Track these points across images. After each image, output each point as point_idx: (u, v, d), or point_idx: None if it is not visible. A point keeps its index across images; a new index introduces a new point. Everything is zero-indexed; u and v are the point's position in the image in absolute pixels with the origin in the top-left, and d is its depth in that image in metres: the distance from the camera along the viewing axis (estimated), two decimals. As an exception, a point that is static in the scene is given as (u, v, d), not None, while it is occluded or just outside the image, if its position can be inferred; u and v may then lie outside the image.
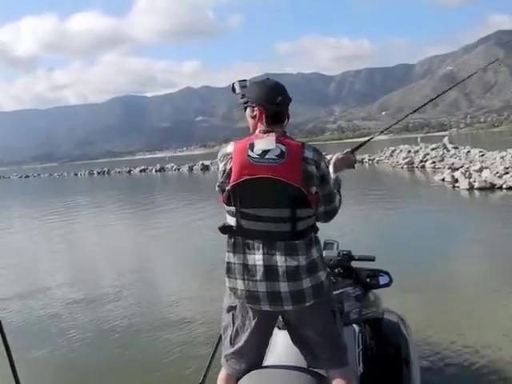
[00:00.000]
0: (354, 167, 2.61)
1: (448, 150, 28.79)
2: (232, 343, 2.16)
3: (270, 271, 1.99)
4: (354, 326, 2.57)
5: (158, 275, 8.40)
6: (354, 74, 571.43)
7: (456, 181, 16.32)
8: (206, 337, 4.91)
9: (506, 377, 3.67)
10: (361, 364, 2.43)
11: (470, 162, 20.16)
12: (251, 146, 2.01)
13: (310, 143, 2.12)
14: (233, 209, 2.04)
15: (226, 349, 2.19)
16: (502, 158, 18.66)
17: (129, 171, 59.92)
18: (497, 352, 4.03)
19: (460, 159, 23.43)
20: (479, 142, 41.41)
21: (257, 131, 2.12)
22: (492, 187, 14.78)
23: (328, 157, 2.50)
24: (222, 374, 2.22)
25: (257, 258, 2.00)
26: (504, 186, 14.47)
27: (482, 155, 22.73)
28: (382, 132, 3.36)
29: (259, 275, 2.00)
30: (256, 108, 2.12)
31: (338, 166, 2.49)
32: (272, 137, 2.03)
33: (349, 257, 2.81)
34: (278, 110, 2.12)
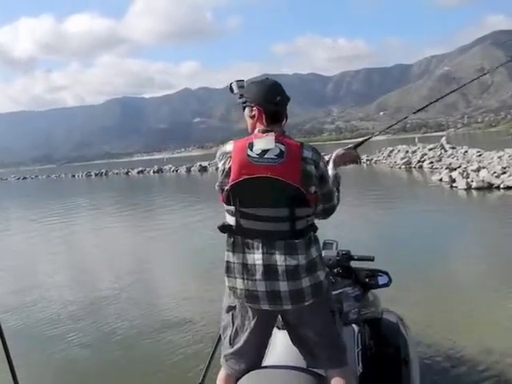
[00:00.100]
0: (358, 163, 2.61)
1: (446, 150, 28.81)
2: (231, 343, 2.16)
3: (270, 270, 1.99)
4: (353, 325, 2.57)
5: (157, 277, 8.40)
6: (352, 75, 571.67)
7: (454, 181, 16.34)
8: (205, 337, 4.91)
9: (506, 377, 3.68)
10: (360, 364, 2.42)
11: (468, 162, 20.19)
12: (250, 146, 2.01)
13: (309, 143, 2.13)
14: (232, 208, 2.05)
15: (226, 349, 2.19)
16: (499, 157, 18.70)
17: (126, 173, 59.85)
18: (497, 352, 4.04)
19: (458, 159, 23.45)
20: (476, 142, 41.49)
21: (256, 131, 2.12)
22: (490, 187, 14.82)
23: (327, 157, 2.50)
24: (222, 374, 2.21)
25: (256, 258, 2.01)
26: (501, 186, 14.51)
27: (480, 155, 22.75)
28: (386, 128, 3.42)
29: (258, 274, 2.00)
30: (255, 108, 2.13)
31: (338, 162, 2.51)
32: (271, 136, 2.03)
33: (348, 257, 2.81)
34: (276, 109, 2.12)
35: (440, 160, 25.41)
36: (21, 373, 2.28)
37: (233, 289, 2.09)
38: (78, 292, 7.45)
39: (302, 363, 2.17)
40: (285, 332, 2.25)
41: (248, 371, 2.14)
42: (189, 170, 49.11)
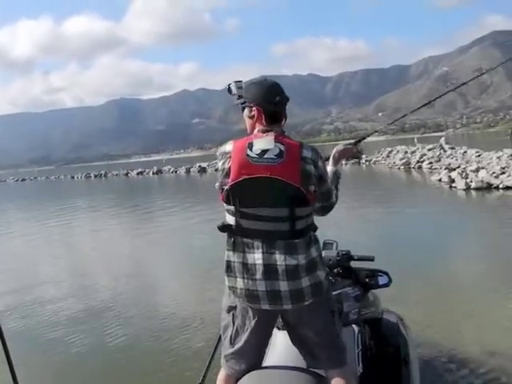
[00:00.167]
0: (359, 158, 2.61)
1: (445, 151, 28.85)
2: (232, 343, 2.16)
3: (270, 270, 1.99)
4: (354, 326, 2.57)
5: (156, 278, 8.39)
6: (351, 75, 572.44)
7: (453, 181, 16.34)
8: (205, 337, 4.90)
9: (506, 377, 3.67)
10: (360, 364, 2.43)
11: (467, 163, 20.20)
12: (250, 146, 2.02)
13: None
14: (232, 208, 2.05)
15: (226, 349, 2.19)
16: (498, 158, 18.71)
17: (126, 174, 59.82)
18: (497, 352, 4.03)
19: (457, 159, 23.47)
20: (475, 143, 41.53)
21: (255, 131, 2.12)
22: (489, 187, 14.82)
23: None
24: (222, 375, 2.21)
25: (256, 257, 2.00)
26: (501, 186, 14.51)
27: (479, 155, 22.76)
28: (390, 124, 3.44)
29: (259, 274, 2.00)
30: (254, 108, 2.13)
31: (338, 158, 2.50)
32: (271, 136, 2.03)
33: (348, 257, 2.80)
34: (276, 109, 2.13)
35: (439, 160, 25.42)
36: (21, 373, 2.28)
37: (233, 288, 2.08)
38: (78, 293, 7.43)
39: (302, 363, 2.17)
40: (285, 332, 2.24)
41: (248, 371, 2.13)
42: (188, 171, 49.10)
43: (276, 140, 2.02)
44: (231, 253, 2.07)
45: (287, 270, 1.98)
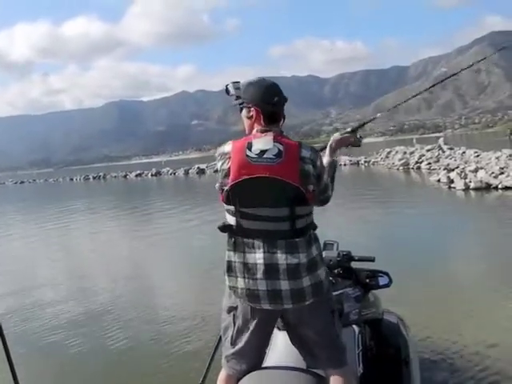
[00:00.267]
0: (358, 145, 2.59)
1: (443, 151, 28.86)
2: (233, 344, 2.16)
3: (271, 269, 2.00)
4: (354, 326, 2.57)
5: (156, 279, 8.38)
6: (349, 76, 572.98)
7: (452, 181, 16.35)
8: (205, 338, 4.90)
9: (507, 377, 3.67)
10: (361, 365, 2.43)
11: (466, 163, 20.20)
12: (249, 146, 2.02)
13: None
14: (232, 208, 2.05)
15: (227, 349, 2.19)
16: (497, 158, 18.73)
17: (125, 176, 59.76)
18: (497, 352, 4.03)
19: (455, 160, 23.47)
20: (474, 143, 41.54)
21: (254, 131, 2.13)
22: (488, 187, 14.84)
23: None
24: (222, 375, 2.22)
25: (257, 257, 2.01)
26: (499, 186, 14.52)
27: (477, 156, 22.78)
28: (388, 110, 3.41)
29: (259, 274, 2.00)
30: (252, 108, 2.14)
31: (335, 148, 2.47)
32: (270, 136, 2.04)
33: (348, 257, 2.81)
34: (274, 109, 2.14)
35: (438, 161, 25.43)
36: (21, 374, 2.28)
37: (233, 288, 2.08)
38: (78, 296, 7.43)
39: (302, 364, 2.17)
40: (285, 332, 2.25)
41: (249, 371, 2.14)
42: (187, 173, 49.10)
43: (275, 140, 2.03)
44: (232, 253, 2.07)
45: (288, 269, 1.99)
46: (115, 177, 61.60)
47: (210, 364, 2.94)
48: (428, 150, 30.48)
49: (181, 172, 50.19)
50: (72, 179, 69.22)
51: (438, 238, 8.91)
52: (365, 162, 35.84)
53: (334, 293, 2.35)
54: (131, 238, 12.92)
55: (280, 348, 2.34)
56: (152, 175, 54.09)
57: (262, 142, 2.02)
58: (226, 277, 2.11)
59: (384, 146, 52.83)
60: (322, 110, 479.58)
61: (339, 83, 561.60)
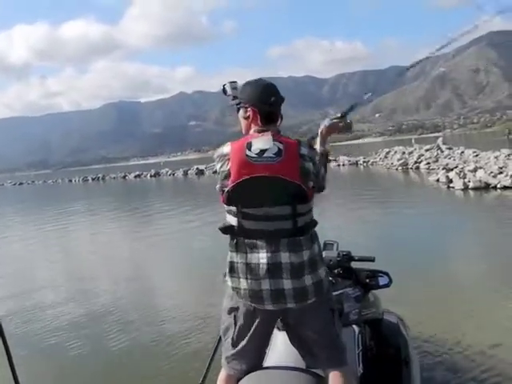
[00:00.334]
0: (350, 129, 2.57)
1: (442, 151, 28.89)
2: (234, 344, 2.16)
3: (274, 269, 2.00)
4: (354, 326, 2.57)
5: (156, 281, 8.38)
6: (348, 77, 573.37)
7: (450, 181, 16.37)
8: (205, 338, 4.90)
9: (507, 377, 3.67)
10: (361, 365, 2.43)
11: (464, 163, 20.24)
12: (249, 146, 2.02)
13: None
14: (234, 209, 2.05)
15: (228, 350, 2.18)
16: (495, 157, 18.77)
17: (124, 177, 59.74)
18: (497, 352, 4.03)
19: (454, 160, 23.51)
20: (473, 143, 41.57)
21: (251, 131, 2.13)
22: (486, 187, 14.86)
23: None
24: (222, 375, 2.21)
25: (260, 257, 2.01)
26: (498, 186, 14.55)
27: (476, 155, 22.81)
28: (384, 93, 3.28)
29: (263, 273, 2.01)
30: (249, 109, 2.14)
31: (326, 135, 2.45)
32: (268, 135, 2.05)
33: (348, 257, 2.81)
34: (271, 110, 2.14)
35: (437, 161, 25.45)
36: (22, 376, 2.28)
37: (236, 289, 2.08)
38: (78, 297, 7.42)
39: (302, 364, 2.17)
40: (284, 333, 2.25)
41: (250, 372, 2.14)
42: (186, 174, 49.10)
43: (274, 139, 2.03)
44: (234, 254, 2.07)
45: (292, 267, 2.00)
46: (114, 178, 61.57)
47: (209, 364, 2.94)
48: (427, 150, 30.51)
49: (180, 173, 50.18)
50: (71, 180, 69.13)
51: (437, 237, 8.92)
52: (363, 162, 35.87)
53: (334, 293, 2.35)
54: (132, 240, 12.90)
55: (280, 348, 2.34)
56: (151, 176, 54.08)
57: (262, 142, 2.02)
58: (229, 278, 2.10)
59: (383, 146, 52.90)
60: (319, 110, 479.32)
61: (337, 84, 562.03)
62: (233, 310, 2.15)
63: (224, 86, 2.28)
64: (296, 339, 2.17)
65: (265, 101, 2.11)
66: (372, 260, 2.84)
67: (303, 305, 2.04)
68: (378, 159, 35.51)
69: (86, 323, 6.06)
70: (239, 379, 2.15)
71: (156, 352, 4.87)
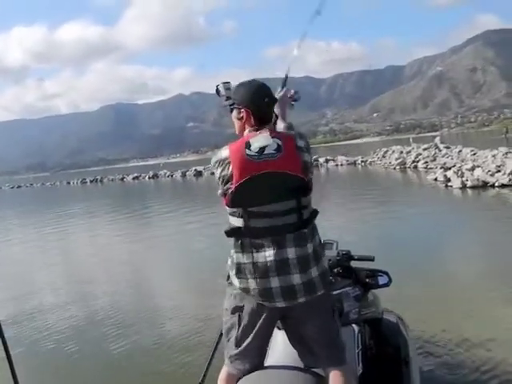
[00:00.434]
0: (298, 98, 2.59)
1: (440, 150, 28.92)
2: (237, 344, 2.16)
3: (282, 265, 2.02)
4: (354, 326, 2.57)
5: (156, 283, 8.37)
6: (345, 77, 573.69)
7: (448, 180, 16.40)
8: (205, 338, 4.91)
9: (507, 377, 3.66)
10: (360, 364, 2.43)
11: (462, 161, 20.27)
12: (247, 145, 2.03)
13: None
14: (239, 210, 2.05)
15: (231, 350, 2.18)
16: (493, 156, 18.78)
17: (122, 179, 59.70)
18: (498, 352, 4.02)
19: (452, 159, 23.55)
20: (470, 142, 41.63)
21: (246, 132, 2.14)
22: (484, 185, 14.89)
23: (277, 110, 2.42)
24: (223, 374, 2.22)
25: (267, 255, 2.02)
26: (496, 184, 14.58)
27: (474, 154, 22.85)
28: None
29: (271, 271, 2.02)
30: (243, 110, 2.15)
31: (283, 110, 2.45)
32: (266, 133, 2.06)
33: (348, 257, 2.81)
34: (264, 110, 2.16)
35: (434, 160, 25.49)
36: (21, 375, 2.28)
37: (245, 290, 2.09)
38: (77, 299, 7.42)
39: (302, 363, 2.18)
40: (284, 332, 2.25)
41: (252, 371, 2.15)
42: (184, 175, 49.06)
43: (271, 135, 2.05)
44: (240, 255, 2.08)
45: (299, 261, 2.02)
46: (112, 180, 61.55)
47: (209, 364, 2.94)
48: (425, 149, 30.55)
49: (178, 174, 50.13)
50: (69, 183, 69.04)
51: (436, 237, 8.93)
52: (361, 161, 35.91)
53: (334, 292, 2.36)
54: (131, 242, 12.85)
55: (279, 347, 2.35)
56: (149, 178, 54.05)
57: (261, 139, 2.04)
58: (236, 279, 2.10)
59: (381, 145, 52.97)
60: (317, 110, 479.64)
61: (335, 84, 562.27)
62: (237, 310, 2.15)
63: (217, 86, 2.30)
64: (296, 338, 2.17)
65: (258, 102, 2.13)
66: (371, 259, 2.84)
67: (312, 298, 2.06)
68: (376, 159, 35.55)
69: (85, 326, 6.06)
70: (239, 378, 2.16)
71: (156, 353, 4.87)
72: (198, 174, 47.18)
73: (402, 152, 33.01)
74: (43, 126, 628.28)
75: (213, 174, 2.15)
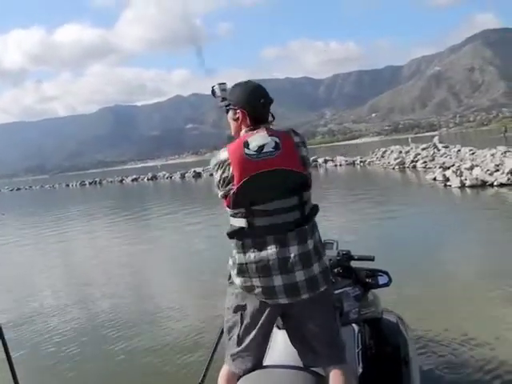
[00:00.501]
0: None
1: (438, 150, 28.94)
2: (239, 342, 2.17)
3: (285, 263, 2.03)
4: (354, 325, 2.57)
5: (156, 284, 8.37)
6: (344, 77, 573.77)
7: (447, 179, 16.41)
8: (205, 338, 4.91)
9: (507, 377, 3.66)
10: (360, 364, 2.43)
11: (461, 161, 20.27)
12: (246, 145, 2.04)
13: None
14: (242, 210, 2.06)
15: (233, 348, 2.19)
16: (492, 155, 18.77)
17: (121, 181, 59.71)
18: (498, 352, 4.02)
19: (451, 158, 23.55)
20: (469, 141, 41.70)
21: (242, 132, 2.15)
22: (483, 184, 14.90)
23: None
24: (224, 373, 2.22)
25: (270, 253, 2.03)
26: (495, 183, 14.59)
27: (473, 153, 22.86)
28: None
29: (274, 270, 2.03)
30: (239, 110, 2.16)
31: None
32: (263, 131, 2.08)
33: (348, 256, 2.81)
34: (260, 111, 2.17)
35: (433, 159, 25.50)
36: (22, 377, 2.28)
37: (248, 288, 2.09)
38: (79, 302, 7.41)
39: (302, 363, 2.18)
40: (284, 332, 2.26)
41: (253, 369, 2.15)
42: (183, 177, 49.06)
43: (268, 134, 2.07)
44: (242, 254, 2.08)
45: (300, 258, 2.03)
46: (111, 182, 61.55)
47: (209, 364, 2.94)
48: (423, 149, 30.56)
49: (177, 176, 50.14)
50: (68, 185, 69.05)
51: (435, 236, 8.93)
52: (360, 161, 35.94)
53: (334, 292, 2.35)
54: (133, 244, 12.84)
55: (279, 347, 2.35)
56: (148, 179, 54.08)
57: (259, 138, 2.05)
58: (239, 278, 2.11)
59: (379, 145, 52.97)
60: (316, 111, 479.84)
61: (333, 84, 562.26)
62: (239, 309, 2.16)
63: (213, 87, 2.32)
64: (297, 336, 2.18)
65: (253, 103, 2.14)
66: (371, 259, 2.84)
67: (315, 294, 2.07)
68: (374, 159, 35.58)
69: (86, 329, 6.05)
70: (239, 377, 2.17)
71: (157, 354, 4.87)
72: (197, 175, 47.18)
73: (400, 152, 33.03)
74: (42, 128, 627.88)
75: (212, 175, 2.16)
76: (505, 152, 18.54)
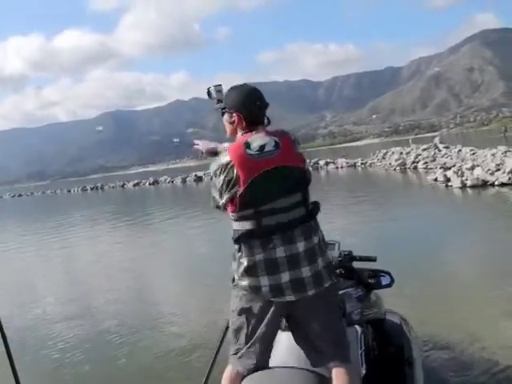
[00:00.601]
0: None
1: (439, 150, 28.96)
2: (245, 343, 2.17)
3: (293, 260, 2.05)
4: (357, 326, 2.57)
5: (159, 288, 8.37)
6: (343, 79, 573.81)
7: (448, 180, 16.41)
8: (208, 339, 4.91)
9: (507, 377, 3.66)
10: (364, 365, 2.43)
11: (462, 161, 20.29)
12: (247, 145, 2.06)
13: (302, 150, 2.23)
14: (249, 211, 2.06)
15: (238, 349, 2.19)
16: (492, 155, 18.79)
17: (122, 186, 59.75)
18: (498, 352, 4.02)
19: (451, 158, 23.56)
20: (470, 141, 41.64)
21: (238, 134, 2.18)
22: (484, 184, 14.91)
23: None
24: (228, 373, 2.22)
25: (278, 251, 2.05)
26: (496, 183, 14.59)
27: (473, 153, 22.86)
28: None
29: (282, 267, 2.05)
30: (234, 114, 2.18)
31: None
32: (262, 132, 2.11)
33: (350, 257, 2.80)
34: (256, 114, 2.19)
35: (434, 160, 25.51)
36: (22, 376, 2.28)
37: (254, 288, 2.09)
38: (81, 306, 7.42)
39: (305, 364, 2.18)
40: (287, 333, 2.27)
41: (257, 370, 2.16)
42: (184, 181, 49.08)
43: (266, 134, 2.10)
44: (249, 256, 2.08)
45: (306, 254, 2.06)
46: (113, 187, 61.57)
47: (212, 365, 2.94)
48: (424, 150, 30.60)
49: (178, 180, 50.17)
50: (70, 191, 69.08)
51: (436, 236, 8.93)
52: (361, 163, 35.92)
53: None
54: (135, 249, 12.86)
55: (283, 348, 2.35)
56: (150, 184, 54.10)
57: (259, 138, 2.08)
58: (245, 279, 2.11)
59: (380, 147, 52.93)
60: (316, 113, 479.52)
61: (333, 86, 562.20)
62: (244, 311, 2.16)
63: (209, 89, 2.35)
64: (302, 336, 2.18)
65: (249, 106, 2.17)
66: (374, 260, 2.83)
67: (320, 290, 2.08)
68: (375, 160, 35.59)
69: (88, 334, 6.06)
70: (243, 377, 2.17)
71: (158, 350, 4.90)
72: (199, 179, 47.18)
73: (401, 153, 33.06)
74: (43, 134, 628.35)
75: (222, 184, 2.12)
76: (505, 152, 18.55)
